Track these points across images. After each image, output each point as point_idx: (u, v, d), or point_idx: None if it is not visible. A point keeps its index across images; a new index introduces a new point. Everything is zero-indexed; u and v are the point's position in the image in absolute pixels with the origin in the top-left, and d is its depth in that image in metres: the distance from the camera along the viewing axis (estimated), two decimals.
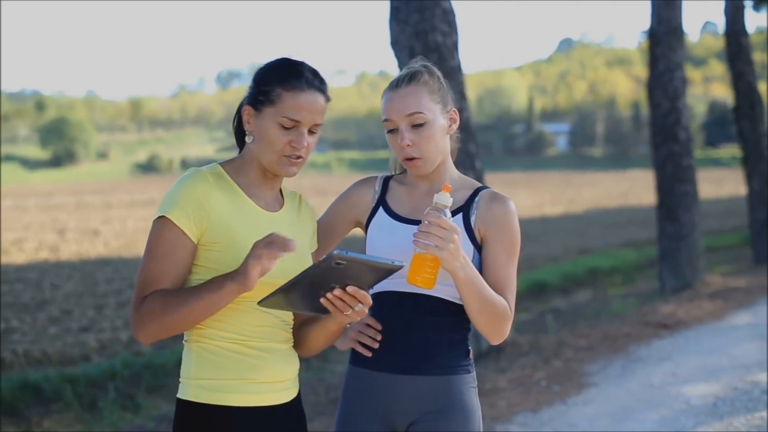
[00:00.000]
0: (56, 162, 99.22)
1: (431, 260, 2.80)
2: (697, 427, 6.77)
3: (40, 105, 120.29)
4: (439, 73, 3.16)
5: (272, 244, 2.60)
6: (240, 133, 3.02)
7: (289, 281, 2.65)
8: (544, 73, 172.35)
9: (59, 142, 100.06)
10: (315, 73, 2.90)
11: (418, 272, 2.81)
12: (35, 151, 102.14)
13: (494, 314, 2.96)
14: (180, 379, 2.91)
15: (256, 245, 2.62)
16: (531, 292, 16.55)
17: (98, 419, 8.61)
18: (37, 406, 9.09)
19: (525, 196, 43.84)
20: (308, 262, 2.98)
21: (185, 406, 2.86)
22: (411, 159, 3.06)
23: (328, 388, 8.47)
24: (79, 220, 33.05)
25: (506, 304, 3.00)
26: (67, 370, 9.90)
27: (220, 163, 2.95)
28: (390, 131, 3.10)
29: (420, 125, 3.04)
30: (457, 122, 3.17)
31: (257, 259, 2.60)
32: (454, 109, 3.16)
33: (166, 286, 2.77)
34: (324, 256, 2.57)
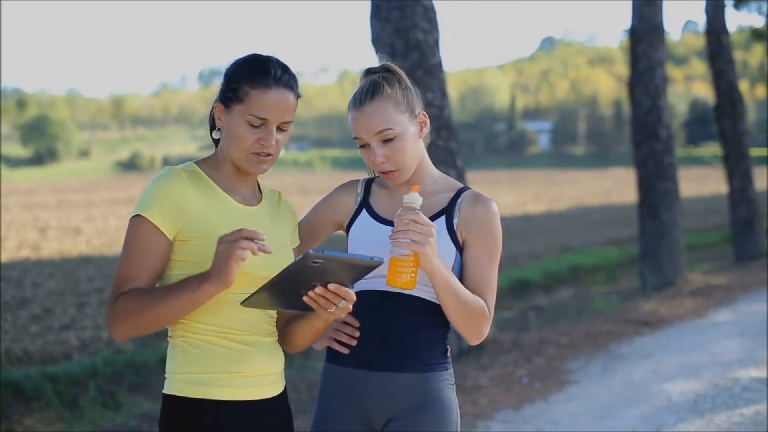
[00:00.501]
0: (38, 160, 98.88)
1: (411, 261, 2.81)
2: (678, 424, 6.79)
3: (21, 103, 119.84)
4: (401, 77, 3.10)
5: (238, 233, 2.59)
6: (214, 130, 3.01)
7: (269, 281, 2.64)
8: (526, 71, 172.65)
9: (41, 140, 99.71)
10: (285, 69, 2.88)
11: (399, 273, 2.81)
12: (16, 149, 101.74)
13: (472, 315, 2.96)
14: (165, 375, 2.90)
15: (220, 240, 2.61)
16: (513, 290, 16.57)
17: (79, 417, 8.58)
18: (18, 404, 9.05)
19: (507, 195, 43.89)
20: (291, 257, 2.98)
21: (171, 401, 2.85)
22: (387, 172, 3.06)
23: (310, 386, 8.46)
24: (60, 218, 32.91)
25: (484, 306, 3.00)
26: (48, 369, 9.85)
27: (195, 162, 2.95)
28: (362, 146, 3.07)
29: (390, 140, 3.01)
30: (428, 124, 3.13)
31: (228, 250, 2.58)
32: (422, 112, 3.12)
33: (140, 284, 2.78)
34: (300, 256, 2.57)
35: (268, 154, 2.86)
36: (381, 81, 3.05)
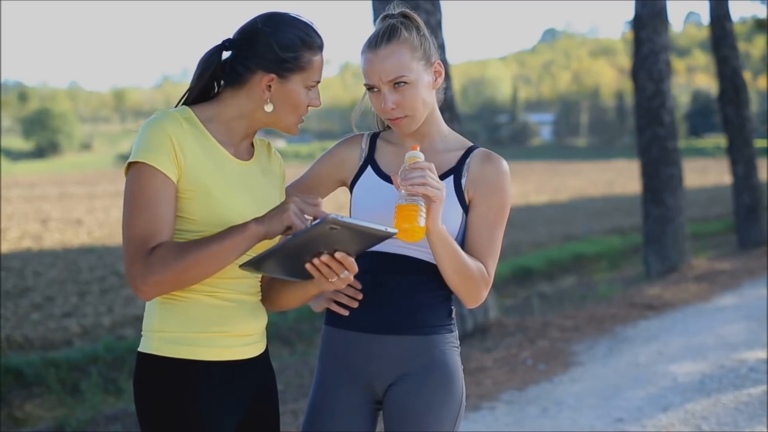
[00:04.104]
0: (39, 153, 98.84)
1: (421, 209, 2.69)
2: (685, 403, 6.74)
3: (22, 96, 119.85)
4: (419, 22, 2.99)
5: (308, 204, 2.62)
6: (211, 82, 2.86)
7: (278, 244, 2.56)
8: (528, 63, 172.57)
9: (42, 133, 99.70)
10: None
11: (411, 219, 2.69)
12: (18, 142, 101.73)
13: (471, 276, 2.87)
14: (142, 333, 2.80)
15: (293, 198, 2.64)
16: (516, 278, 16.53)
17: (80, 403, 8.54)
18: (19, 389, 9.03)
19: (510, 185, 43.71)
20: None
21: (146, 359, 2.74)
22: (396, 119, 2.94)
23: (313, 371, 8.40)
24: (62, 210, 32.84)
25: (483, 267, 2.91)
26: (49, 355, 9.84)
27: (190, 107, 2.82)
28: (372, 92, 2.97)
29: (403, 86, 2.90)
30: (443, 75, 3.01)
31: (294, 213, 2.61)
32: (438, 61, 3.00)
33: (168, 237, 2.64)
34: (318, 220, 2.48)
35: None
36: (399, 25, 2.94)
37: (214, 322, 2.75)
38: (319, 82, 2.83)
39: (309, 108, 2.85)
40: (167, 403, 2.72)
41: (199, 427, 2.72)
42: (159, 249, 2.60)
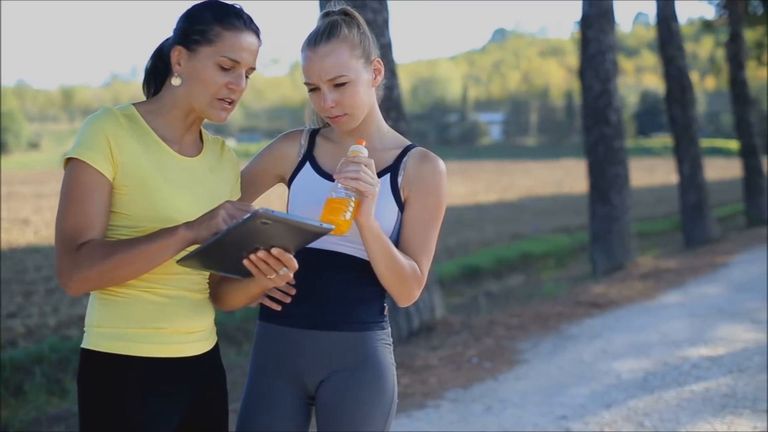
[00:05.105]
0: None
1: (351, 203, 2.71)
2: (628, 400, 6.79)
3: None
4: (359, 20, 2.99)
5: (240, 211, 2.58)
6: (155, 75, 2.89)
7: (211, 239, 2.54)
8: (478, 62, 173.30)
9: None
10: (249, 15, 2.81)
11: (337, 212, 2.70)
12: None
13: (403, 275, 2.88)
14: (84, 329, 2.80)
15: (226, 205, 2.60)
16: (464, 276, 16.55)
17: (24, 404, 8.44)
18: None
19: (459, 185, 43.82)
20: None
21: (87, 355, 2.74)
22: (335, 117, 2.94)
23: None
24: (8, 209, 32.43)
25: (416, 266, 2.92)
26: None
27: (133, 104, 2.82)
28: (312, 90, 2.96)
29: (342, 85, 2.90)
30: (382, 73, 3.02)
31: (223, 219, 2.57)
32: (377, 59, 3.00)
33: (97, 234, 2.64)
34: (248, 215, 2.46)
35: (231, 101, 2.78)
36: (340, 22, 2.93)
37: (152, 318, 2.74)
38: (238, 62, 2.74)
39: (229, 90, 2.75)
40: (103, 399, 2.71)
41: (133, 423, 2.71)
42: (87, 246, 2.61)
